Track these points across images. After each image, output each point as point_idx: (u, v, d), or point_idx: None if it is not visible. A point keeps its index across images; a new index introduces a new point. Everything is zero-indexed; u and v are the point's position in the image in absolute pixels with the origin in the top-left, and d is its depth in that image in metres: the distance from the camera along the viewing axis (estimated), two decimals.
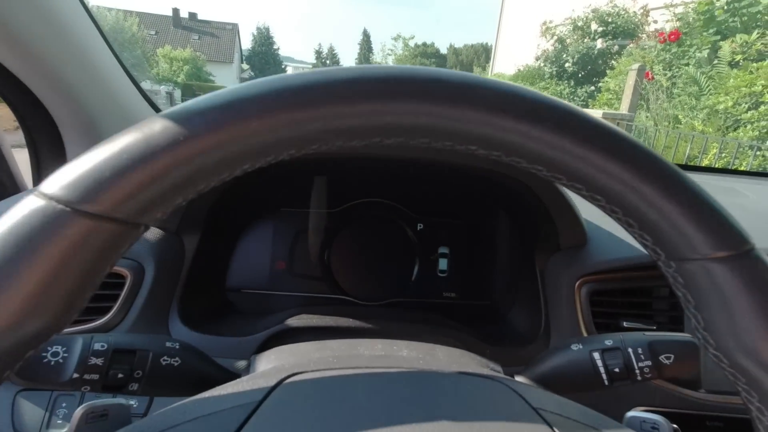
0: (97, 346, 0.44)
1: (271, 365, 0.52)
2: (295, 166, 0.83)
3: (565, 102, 0.27)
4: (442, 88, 0.24)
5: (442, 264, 0.96)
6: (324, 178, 0.91)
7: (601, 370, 0.50)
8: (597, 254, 0.76)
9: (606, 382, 0.50)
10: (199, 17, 37.42)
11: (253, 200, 0.90)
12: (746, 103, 5.22)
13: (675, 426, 0.45)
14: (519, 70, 12.64)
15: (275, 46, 44.49)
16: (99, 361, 0.43)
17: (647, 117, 6.80)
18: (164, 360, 0.47)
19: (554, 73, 11.09)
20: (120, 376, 0.44)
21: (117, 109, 0.99)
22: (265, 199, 0.92)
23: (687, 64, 6.49)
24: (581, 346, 0.52)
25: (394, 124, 0.24)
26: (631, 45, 8.85)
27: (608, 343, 0.51)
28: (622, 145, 0.25)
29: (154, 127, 0.21)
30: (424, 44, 40.76)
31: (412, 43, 37.50)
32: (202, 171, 0.22)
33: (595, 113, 6.91)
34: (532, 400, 0.37)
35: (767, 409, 0.25)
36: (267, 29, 43.36)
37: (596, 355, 0.51)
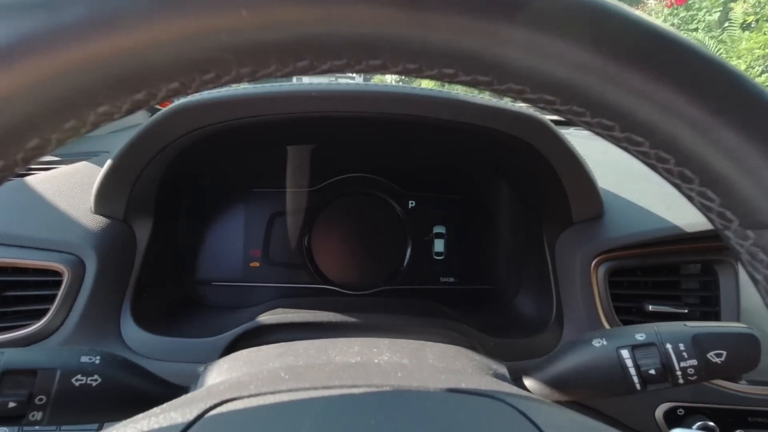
0: None
1: (220, 378, 0.42)
2: (267, 137, 0.72)
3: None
4: None
5: (438, 245, 0.86)
6: (301, 150, 0.80)
7: (632, 371, 0.40)
8: (615, 227, 0.66)
9: (638, 387, 0.40)
10: None
11: (219, 180, 0.80)
12: (760, 66, 5.03)
13: None
14: None
15: None
16: None
17: None
18: (77, 380, 0.37)
19: None
20: (12, 405, 0.34)
21: None
22: (234, 178, 0.82)
23: (696, 29, 6.28)
24: (605, 342, 0.42)
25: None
26: (637, 11, 8.58)
27: (640, 337, 0.41)
28: (675, 49, 0.17)
29: None
30: None
31: None
32: None
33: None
34: (545, 426, 0.27)
35: None
36: None
37: (625, 353, 0.41)
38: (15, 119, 0.16)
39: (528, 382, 0.46)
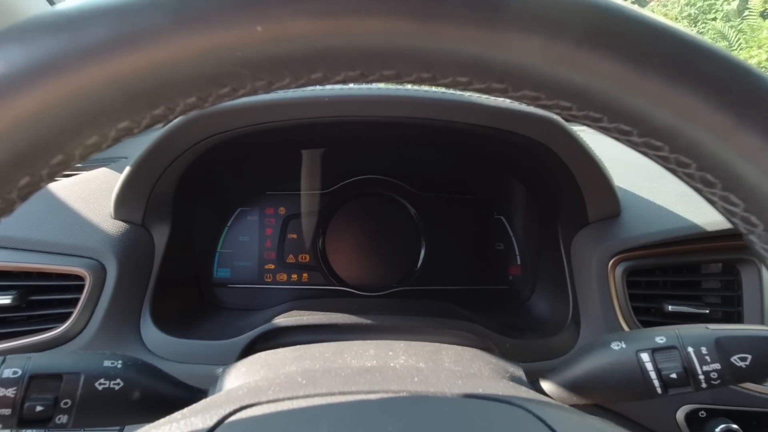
0: (7, 373, 0.35)
1: (238, 382, 0.42)
2: (281, 142, 0.73)
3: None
4: None
5: (452, 246, 0.85)
6: (314, 153, 0.80)
7: (652, 375, 0.39)
8: (633, 226, 0.65)
9: (659, 390, 0.40)
10: None
11: (234, 184, 0.81)
12: None
13: None
14: None
15: None
16: (10, 392, 0.35)
17: None
18: (101, 384, 0.38)
19: None
20: (39, 408, 0.35)
21: None
22: (249, 182, 0.83)
23: (714, 19, 6.12)
24: (624, 345, 0.42)
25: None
26: (652, 2, 8.40)
27: (660, 340, 0.40)
28: (696, 52, 0.17)
29: None
30: None
31: None
32: None
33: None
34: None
35: None
36: None
37: (645, 357, 0.40)
38: (41, 137, 0.16)
39: (545, 385, 0.46)
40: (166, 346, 0.62)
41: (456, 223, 0.86)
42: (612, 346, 0.42)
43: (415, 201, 0.85)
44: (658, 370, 0.39)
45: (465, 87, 0.19)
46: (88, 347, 0.59)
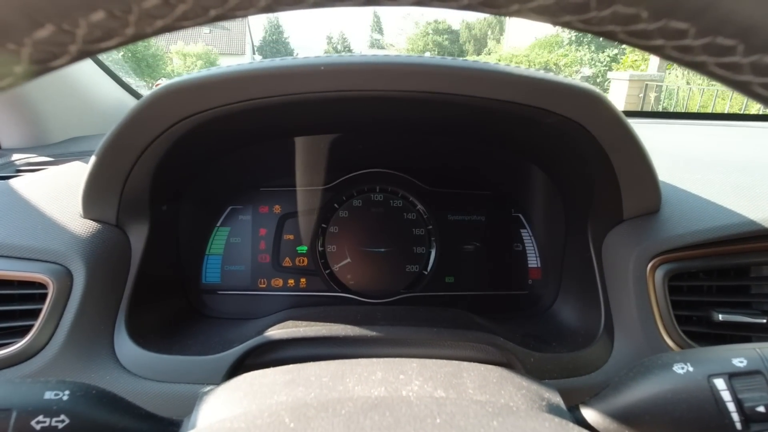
0: None
1: (215, 415, 0.35)
2: (272, 126, 0.65)
3: None
4: None
5: (465, 247, 0.78)
6: (312, 143, 0.73)
7: (730, 407, 0.32)
8: (675, 224, 0.58)
9: (738, 427, 0.32)
10: None
11: (223, 178, 0.74)
12: None
13: None
14: (536, 39, 12.31)
15: (285, 35, 44.95)
16: None
17: (677, 76, 6.40)
18: (39, 422, 0.30)
19: (573, 39, 10.73)
20: None
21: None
22: (239, 176, 0.77)
23: None
24: (691, 368, 0.34)
25: None
26: None
27: (739, 363, 0.33)
28: None
29: None
30: (436, 21, 39.96)
31: (423, 21, 37.08)
32: None
33: (621, 75, 6.50)
34: None
35: None
36: (277, 18, 43.74)
37: (720, 383, 0.33)
38: None
39: (589, 414, 0.38)
40: (143, 363, 0.55)
41: (469, 221, 0.80)
42: (675, 368, 0.35)
43: (425, 197, 0.80)
44: (737, 401, 0.32)
45: None
46: (52, 365, 0.52)
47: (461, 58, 0.49)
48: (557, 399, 0.39)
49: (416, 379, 0.37)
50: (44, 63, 0.15)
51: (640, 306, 0.56)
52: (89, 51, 0.16)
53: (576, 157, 0.61)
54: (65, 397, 0.32)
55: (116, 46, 0.16)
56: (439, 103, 0.52)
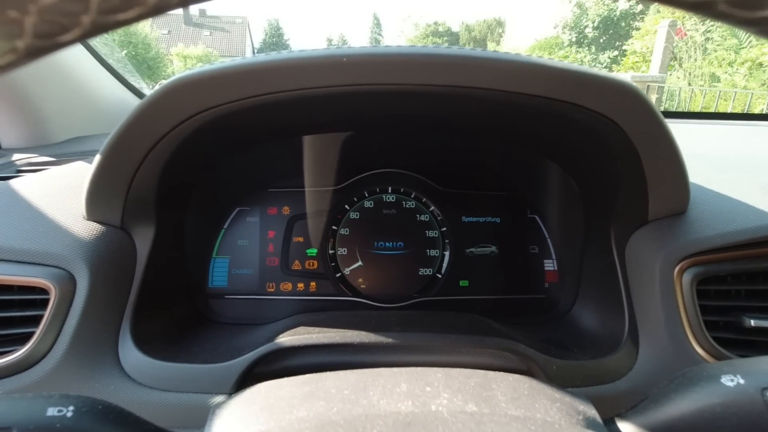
0: None
1: (235, 429, 0.33)
2: (282, 125, 0.63)
3: None
4: None
5: (482, 249, 0.76)
6: (322, 142, 0.71)
7: None
8: (704, 225, 0.55)
9: None
10: (208, 13, 38.11)
11: (231, 179, 0.72)
12: None
13: None
14: (536, 40, 12.33)
15: (286, 38, 45.13)
16: None
17: (679, 77, 6.40)
18: None
19: (574, 40, 10.76)
20: None
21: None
22: (248, 176, 0.75)
23: None
24: (741, 380, 0.31)
25: None
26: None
27: None
28: None
29: None
30: (435, 23, 40.02)
31: (422, 23, 37.15)
32: None
33: (623, 77, 6.49)
34: None
35: None
36: (277, 21, 43.99)
37: None
38: None
39: (627, 428, 0.36)
40: (149, 372, 0.52)
41: (484, 223, 0.78)
42: (724, 380, 0.32)
43: (438, 198, 0.77)
44: None
45: None
46: (54, 375, 0.49)
47: (490, 50, 0.46)
48: (593, 412, 0.37)
49: (444, 391, 0.35)
50: (51, 38, 0.13)
51: (666, 311, 0.54)
52: (104, 24, 0.13)
53: (602, 155, 0.58)
54: (69, 414, 0.30)
55: (135, 20, 0.14)
56: (463, 98, 0.49)
